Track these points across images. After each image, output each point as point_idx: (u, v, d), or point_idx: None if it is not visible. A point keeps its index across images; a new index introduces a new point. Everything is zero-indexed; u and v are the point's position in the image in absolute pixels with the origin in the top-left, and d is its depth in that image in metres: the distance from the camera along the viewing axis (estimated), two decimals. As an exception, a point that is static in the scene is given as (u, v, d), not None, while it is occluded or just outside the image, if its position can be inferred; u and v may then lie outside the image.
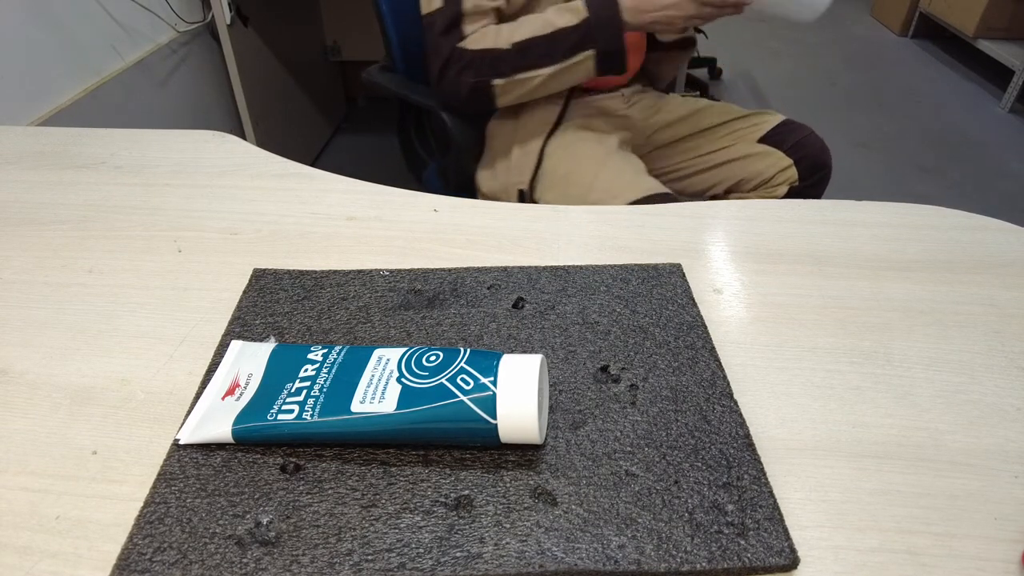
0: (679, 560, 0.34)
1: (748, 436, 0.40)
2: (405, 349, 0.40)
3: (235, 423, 0.38)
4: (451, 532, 0.35)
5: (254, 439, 0.38)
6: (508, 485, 0.37)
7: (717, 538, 0.35)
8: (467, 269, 0.52)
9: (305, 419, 0.37)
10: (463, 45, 0.99)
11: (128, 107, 1.46)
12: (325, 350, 0.41)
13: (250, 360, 0.42)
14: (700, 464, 0.38)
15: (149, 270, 0.53)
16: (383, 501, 0.36)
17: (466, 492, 0.37)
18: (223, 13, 1.62)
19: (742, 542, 0.34)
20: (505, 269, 0.52)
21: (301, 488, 0.37)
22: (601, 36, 0.94)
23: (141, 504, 0.36)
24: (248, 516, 0.36)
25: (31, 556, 0.34)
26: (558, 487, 0.37)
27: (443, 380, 0.37)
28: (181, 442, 0.39)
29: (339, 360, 0.40)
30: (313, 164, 0.65)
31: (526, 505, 0.36)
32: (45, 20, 1.26)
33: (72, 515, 0.36)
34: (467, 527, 0.35)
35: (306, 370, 0.40)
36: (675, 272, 0.52)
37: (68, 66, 1.32)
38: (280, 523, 0.35)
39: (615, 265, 0.53)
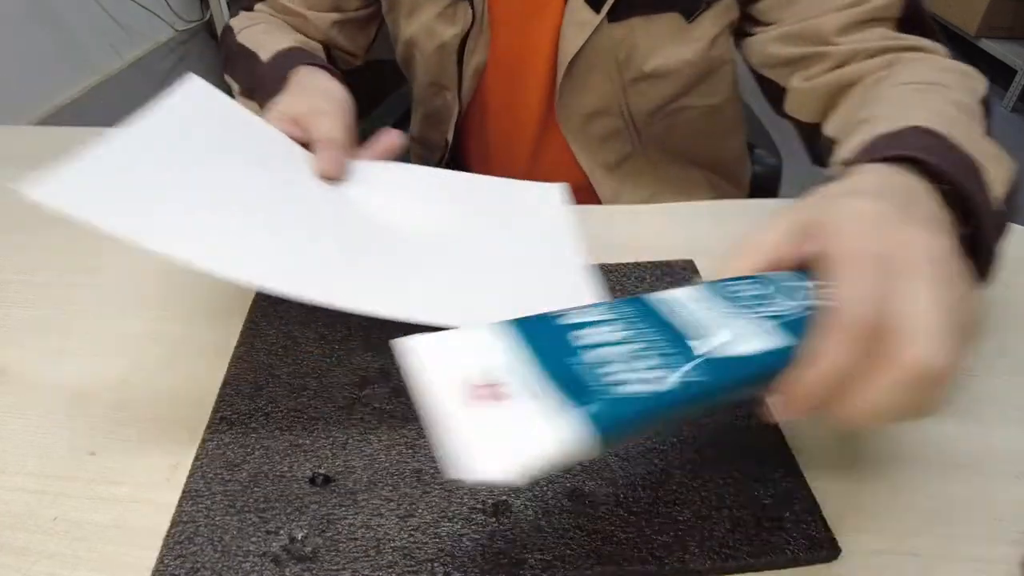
0: (723, 556, 0.34)
1: (780, 430, 0.40)
2: (701, 286, 0.31)
3: (594, 417, 0.25)
4: (492, 539, 0.34)
5: (628, 426, 0.27)
6: (544, 488, 0.37)
7: (758, 532, 0.35)
8: None
9: (680, 380, 0.27)
10: (236, 18, 0.73)
11: (127, 106, 1.46)
12: (599, 309, 0.30)
13: (470, 359, 0.28)
14: (735, 460, 0.38)
15: (148, 270, 0.53)
16: (420, 510, 0.36)
17: (503, 497, 0.36)
18: (221, 11, 1.62)
19: (783, 535, 0.34)
20: None
21: (334, 501, 0.36)
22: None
23: (139, 505, 0.36)
24: (282, 532, 0.35)
25: (28, 557, 0.34)
26: (595, 488, 0.37)
27: (798, 309, 0.30)
28: (506, 480, 0.24)
29: (629, 313, 0.30)
30: (313, 163, 0.65)
31: (565, 507, 0.36)
32: (44, 19, 1.26)
33: (70, 516, 0.36)
34: (508, 532, 0.35)
35: (592, 334, 0.29)
36: (688, 268, 0.52)
37: (67, 65, 1.32)
38: (315, 537, 0.35)
39: (629, 263, 0.53)
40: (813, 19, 0.57)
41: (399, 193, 0.51)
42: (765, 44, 0.61)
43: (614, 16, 0.61)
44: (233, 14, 0.76)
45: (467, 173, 0.55)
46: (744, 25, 0.64)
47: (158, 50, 1.56)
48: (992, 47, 2.83)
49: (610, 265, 0.53)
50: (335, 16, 0.73)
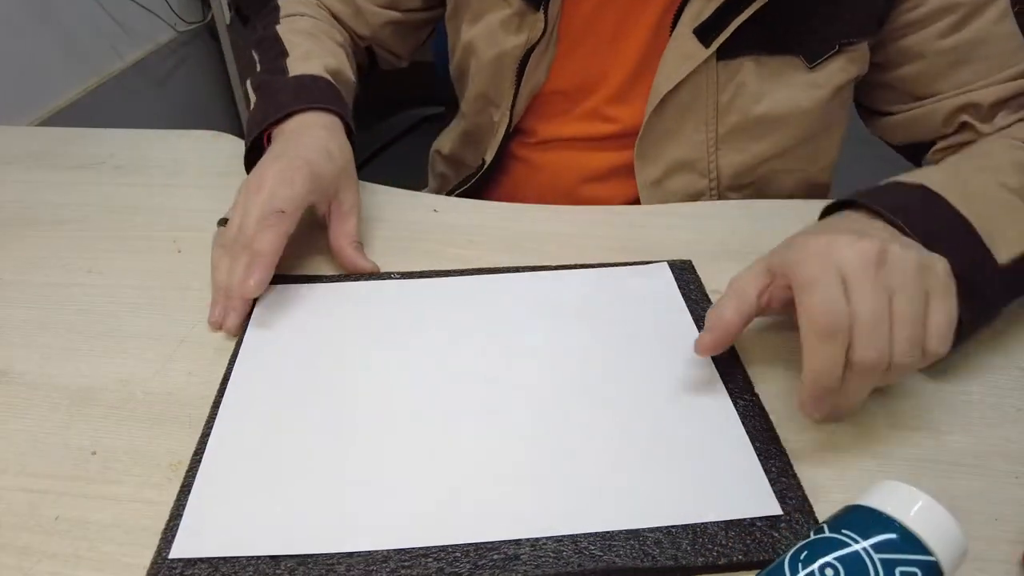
0: (715, 554, 0.34)
1: (772, 429, 0.40)
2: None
3: None
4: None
5: None
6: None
7: (751, 531, 0.35)
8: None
9: None
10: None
11: (128, 107, 1.46)
12: None
13: None
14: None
15: (149, 270, 0.53)
16: None
17: None
18: (222, 13, 1.62)
19: (775, 534, 0.35)
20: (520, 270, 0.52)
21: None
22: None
23: (140, 504, 0.36)
24: None
25: (30, 557, 0.34)
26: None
27: None
28: None
29: None
30: (313, 164, 0.65)
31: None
32: (45, 20, 1.26)
33: (71, 516, 0.36)
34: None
35: None
36: (687, 268, 0.52)
37: (67, 66, 1.32)
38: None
39: (630, 263, 0.53)
40: (974, 91, 0.55)
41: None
42: (923, 120, 0.58)
43: (723, 54, 0.55)
44: (237, 17, 0.71)
45: (553, 273, 0.51)
46: (880, 100, 0.61)
47: (159, 51, 1.56)
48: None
49: (609, 264, 0.53)
50: (391, 15, 0.68)
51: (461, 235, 0.57)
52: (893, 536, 0.29)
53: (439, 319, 0.48)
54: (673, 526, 0.35)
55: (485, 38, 0.62)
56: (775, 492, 0.36)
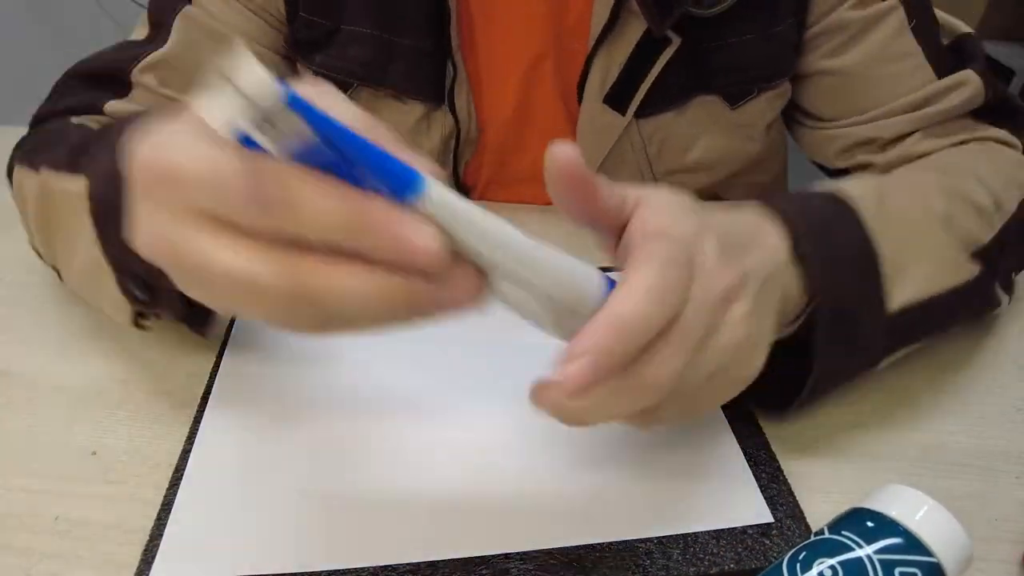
0: (707, 563, 0.33)
1: (762, 434, 0.40)
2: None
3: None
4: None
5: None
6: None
7: (742, 539, 0.34)
8: None
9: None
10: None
11: (128, 107, 1.46)
12: None
13: None
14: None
15: (149, 270, 0.53)
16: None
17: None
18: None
19: (767, 541, 0.34)
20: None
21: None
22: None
23: (141, 504, 0.36)
24: None
25: (30, 557, 0.34)
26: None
27: None
28: None
29: None
30: (313, 164, 0.64)
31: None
32: (44, 20, 1.26)
33: (72, 516, 0.36)
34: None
35: None
36: None
37: (67, 66, 1.32)
38: None
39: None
40: (872, 123, 0.50)
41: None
42: (823, 145, 0.54)
43: (639, 113, 0.52)
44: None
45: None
46: (795, 112, 0.57)
47: (158, 51, 1.56)
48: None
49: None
50: None
51: (461, 235, 0.57)
52: (898, 540, 0.29)
53: (422, 331, 0.47)
54: (664, 536, 0.34)
55: None
56: (766, 499, 0.36)
